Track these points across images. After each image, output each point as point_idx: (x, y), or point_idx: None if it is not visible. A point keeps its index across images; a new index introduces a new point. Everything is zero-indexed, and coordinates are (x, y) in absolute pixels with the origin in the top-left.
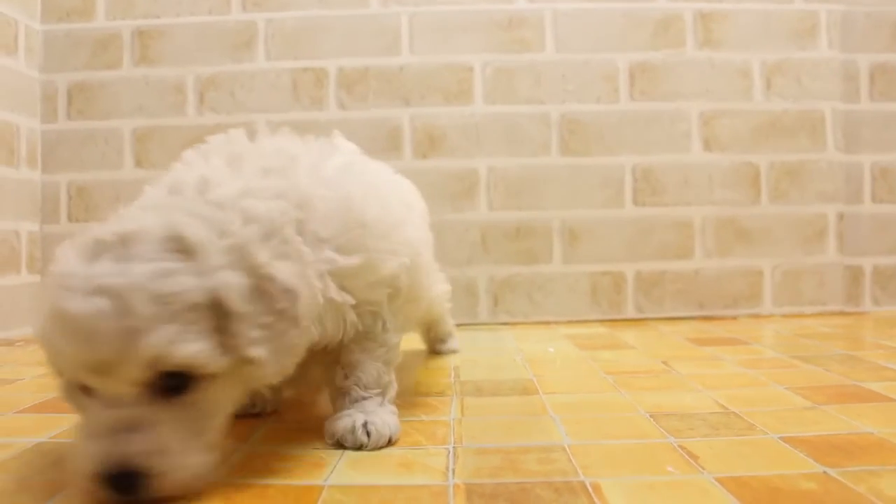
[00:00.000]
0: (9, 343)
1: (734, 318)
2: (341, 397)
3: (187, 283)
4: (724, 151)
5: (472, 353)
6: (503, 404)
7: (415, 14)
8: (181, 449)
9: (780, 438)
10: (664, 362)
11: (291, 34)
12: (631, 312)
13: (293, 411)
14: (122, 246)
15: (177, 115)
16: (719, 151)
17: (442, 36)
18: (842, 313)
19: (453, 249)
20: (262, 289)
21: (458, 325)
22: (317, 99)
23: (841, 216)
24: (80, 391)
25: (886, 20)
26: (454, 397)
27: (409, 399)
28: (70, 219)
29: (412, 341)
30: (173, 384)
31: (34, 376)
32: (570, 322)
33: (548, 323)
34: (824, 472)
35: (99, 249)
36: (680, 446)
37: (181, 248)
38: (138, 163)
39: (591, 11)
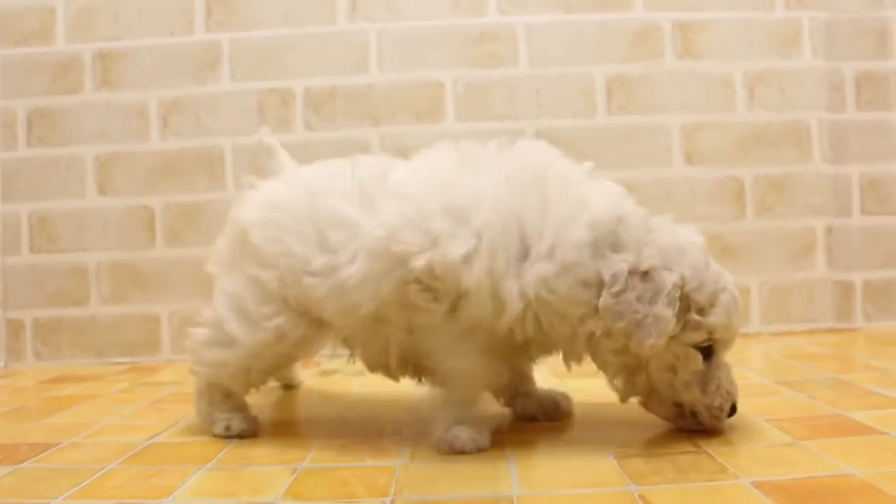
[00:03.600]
0: None
1: None
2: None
3: None
4: (706, 165)
5: None
6: None
7: (383, 30)
8: None
9: (752, 484)
10: None
11: (257, 54)
12: None
13: None
14: None
15: (140, 140)
16: (702, 165)
17: (411, 52)
18: (832, 330)
19: None
20: None
21: None
22: (284, 120)
23: (829, 230)
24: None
25: (871, 27)
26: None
27: (361, 438)
28: (32, 250)
29: None
30: None
31: None
32: None
33: None
34: None
35: None
36: (640, 496)
37: None
38: (101, 190)
39: (565, 24)
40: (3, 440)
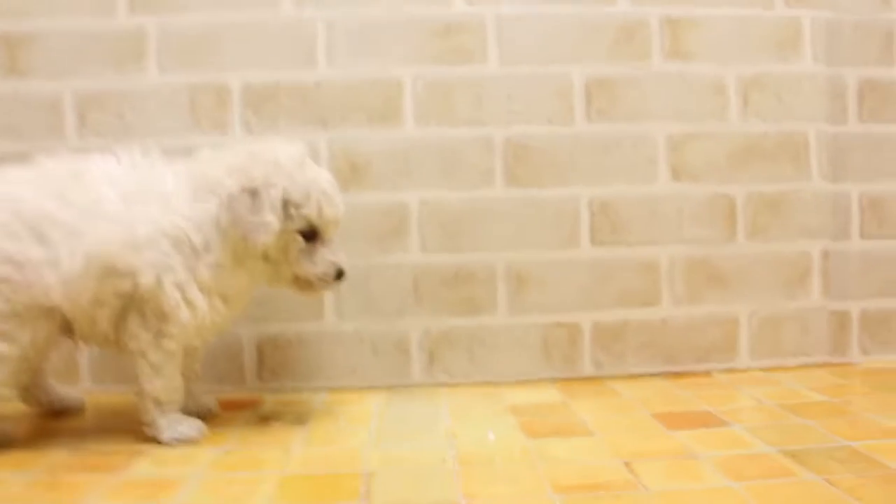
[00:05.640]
0: None
1: (707, 373)
2: None
3: None
4: (695, 181)
5: (395, 440)
6: None
7: (334, 19)
8: None
9: None
10: (628, 465)
11: (189, 42)
12: (588, 370)
13: None
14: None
15: (54, 138)
16: (690, 181)
17: (366, 45)
18: (827, 365)
19: (381, 298)
20: None
21: (389, 388)
22: (219, 122)
23: (826, 254)
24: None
25: (877, 29)
26: None
27: None
28: None
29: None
30: None
31: None
32: (517, 383)
33: (492, 384)
34: None
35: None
36: None
37: None
38: None
39: (540, 17)
40: None
